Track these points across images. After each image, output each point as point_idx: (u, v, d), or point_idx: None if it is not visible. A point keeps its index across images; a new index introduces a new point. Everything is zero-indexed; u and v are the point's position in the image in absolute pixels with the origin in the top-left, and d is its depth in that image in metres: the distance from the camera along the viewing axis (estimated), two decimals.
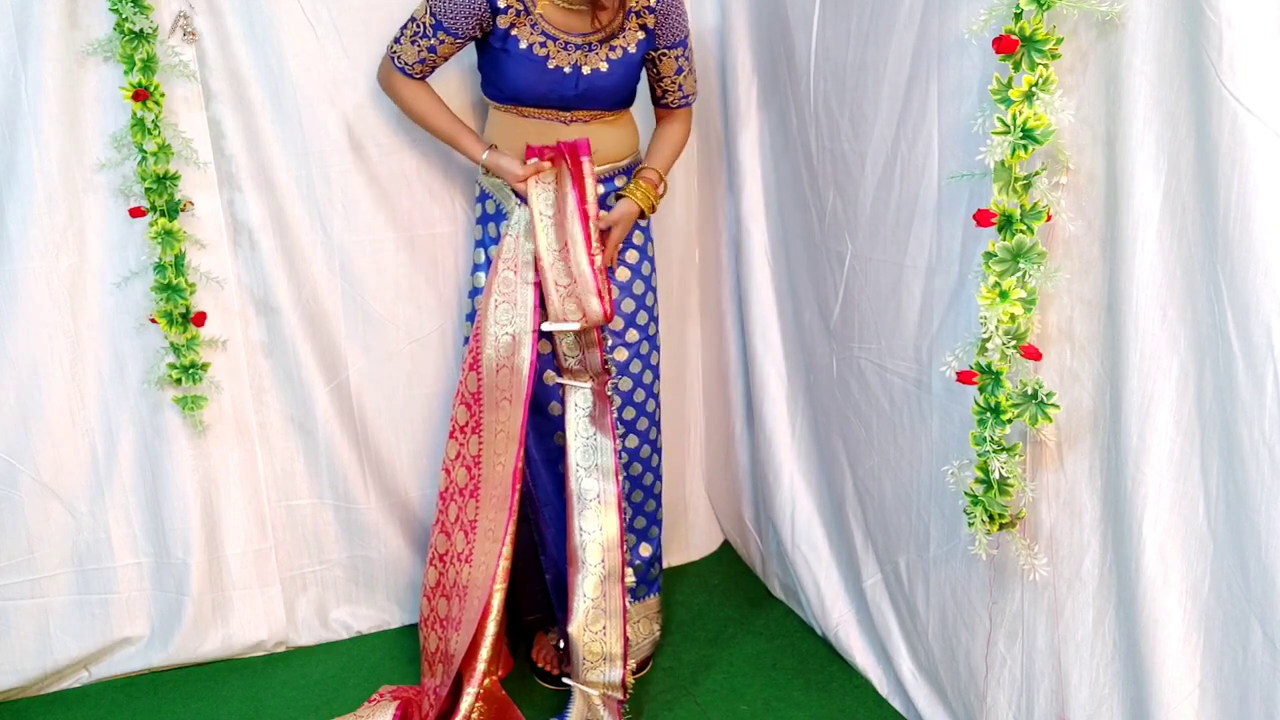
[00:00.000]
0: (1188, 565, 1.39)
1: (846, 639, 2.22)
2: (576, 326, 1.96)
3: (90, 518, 2.20)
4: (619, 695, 2.02)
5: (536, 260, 1.97)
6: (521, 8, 1.90)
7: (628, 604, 2.03)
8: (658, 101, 2.14)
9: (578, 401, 2.07)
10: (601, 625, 2.02)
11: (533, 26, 1.91)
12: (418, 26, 1.93)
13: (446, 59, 1.99)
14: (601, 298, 1.95)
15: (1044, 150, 1.39)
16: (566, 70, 1.93)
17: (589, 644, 2.01)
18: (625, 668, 2.02)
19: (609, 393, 2.05)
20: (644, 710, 2.12)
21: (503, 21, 1.90)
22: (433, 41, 1.93)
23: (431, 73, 2.02)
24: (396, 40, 1.98)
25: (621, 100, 2.03)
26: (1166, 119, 1.30)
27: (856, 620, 2.21)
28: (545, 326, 1.97)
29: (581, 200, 1.94)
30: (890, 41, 1.73)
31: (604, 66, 1.95)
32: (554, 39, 1.92)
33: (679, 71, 2.07)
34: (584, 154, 1.95)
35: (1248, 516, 1.28)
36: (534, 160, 1.96)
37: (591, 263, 1.94)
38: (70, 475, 2.17)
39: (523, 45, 1.91)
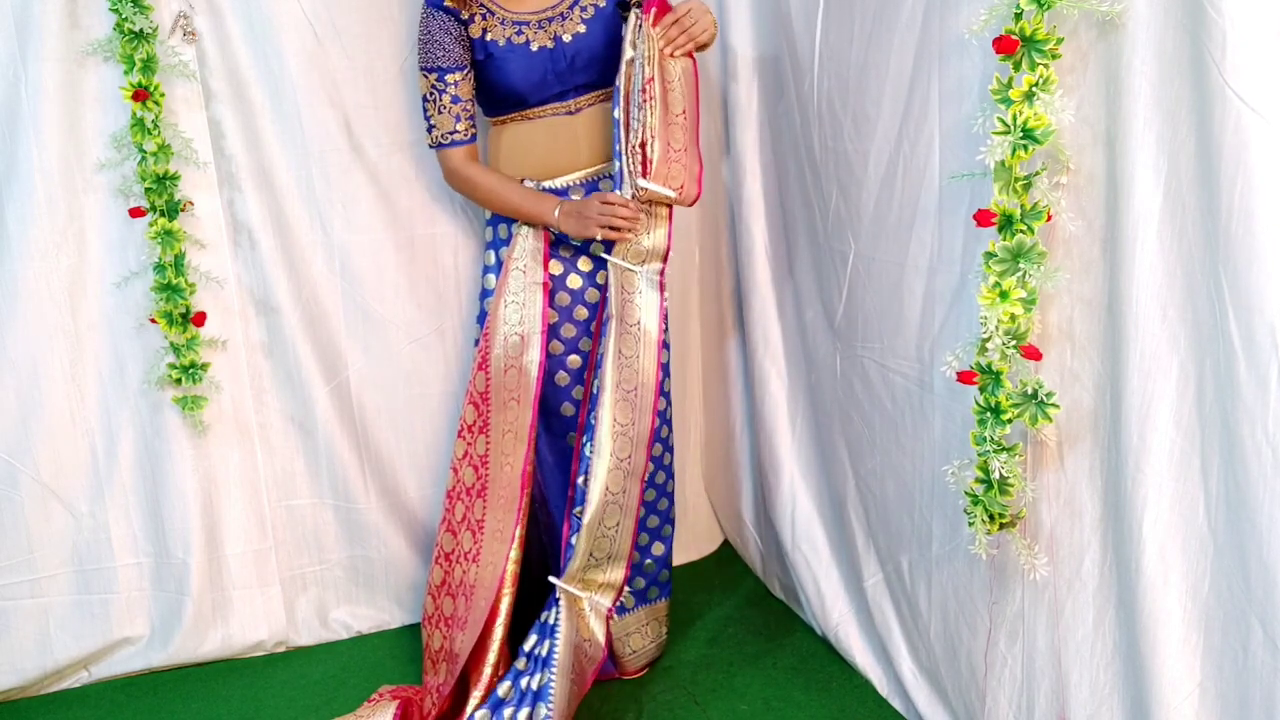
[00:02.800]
0: (1188, 565, 1.39)
1: (846, 639, 2.22)
2: (674, 195, 1.91)
3: (90, 518, 2.20)
4: (608, 601, 1.98)
5: (650, 118, 1.88)
6: (481, 10, 1.94)
7: (641, 511, 2.00)
8: None
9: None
10: (616, 521, 1.96)
11: (501, 22, 1.94)
12: (431, 93, 1.96)
13: (473, 99, 2.00)
14: (700, 179, 1.94)
15: (1044, 150, 1.39)
16: (550, 45, 1.96)
17: (599, 539, 1.95)
18: (627, 569, 1.98)
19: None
20: (644, 710, 2.12)
21: (474, 30, 1.94)
22: (451, 90, 1.96)
23: (474, 125, 2.02)
24: (429, 130, 2.00)
25: (616, 65, 2.01)
26: (1167, 119, 1.30)
27: (856, 620, 2.21)
28: (644, 182, 1.88)
29: (696, 81, 1.93)
30: (892, 41, 1.73)
31: (582, 28, 1.97)
32: (525, 24, 1.95)
33: None
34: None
35: (1248, 516, 1.28)
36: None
37: (698, 142, 1.94)
38: (70, 475, 2.17)
39: (501, 43, 1.94)
